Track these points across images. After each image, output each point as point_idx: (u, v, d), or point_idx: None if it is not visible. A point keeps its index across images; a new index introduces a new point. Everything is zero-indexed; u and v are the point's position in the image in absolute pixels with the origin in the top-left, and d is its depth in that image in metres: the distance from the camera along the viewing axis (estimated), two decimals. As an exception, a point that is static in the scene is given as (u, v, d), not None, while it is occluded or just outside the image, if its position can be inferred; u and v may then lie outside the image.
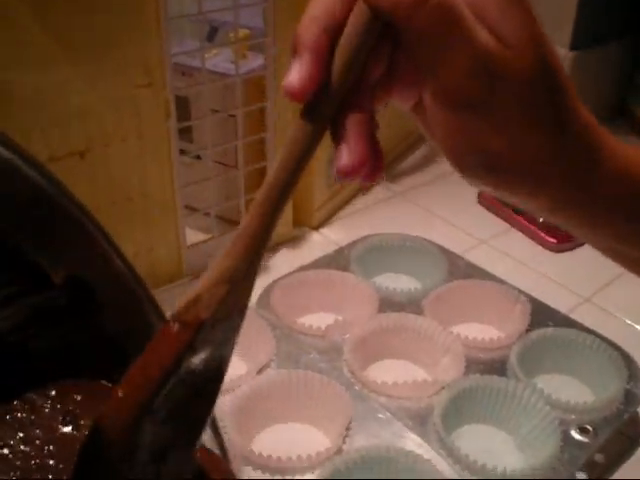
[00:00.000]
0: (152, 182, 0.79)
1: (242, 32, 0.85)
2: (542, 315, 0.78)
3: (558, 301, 0.82)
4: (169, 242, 0.84)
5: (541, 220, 0.99)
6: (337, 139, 0.30)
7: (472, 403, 0.67)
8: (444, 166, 1.12)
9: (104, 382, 0.40)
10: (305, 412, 0.66)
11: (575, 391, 0.71)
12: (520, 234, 1.01)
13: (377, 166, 0.31)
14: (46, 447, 0.36)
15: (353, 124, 0.30)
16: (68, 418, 0.38)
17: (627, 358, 0.72)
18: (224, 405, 0.61)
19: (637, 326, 0.84)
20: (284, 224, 0.94)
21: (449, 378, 0.69)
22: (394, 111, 0.35)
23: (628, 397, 0.68)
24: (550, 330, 0.75)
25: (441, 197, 1.08)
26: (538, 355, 0.73)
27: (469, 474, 0.60)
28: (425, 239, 0.89)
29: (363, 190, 1.05)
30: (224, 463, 0.39)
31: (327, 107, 0.29)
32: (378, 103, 0.32)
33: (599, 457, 0.64)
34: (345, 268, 0.83)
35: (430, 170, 1.13)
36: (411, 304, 0.79)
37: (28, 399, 0.38)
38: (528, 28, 0.29)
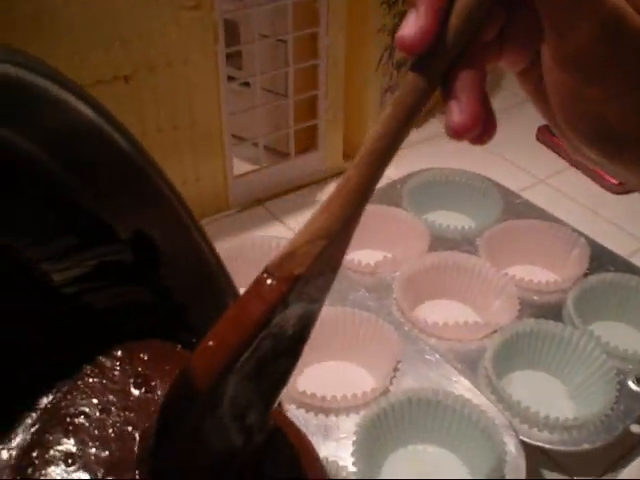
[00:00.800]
0: (199, 109, 0.77)
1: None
2: (602, 259, 0.75)
3: (618, 245, 0.78)
4: (216, 172, 0.82)
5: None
6: (448, 96, 0.29)
7: (525, 348, 0.65)
8: (502, 102, 1.09)
9: (168, 343, 0.38)
10: (352, 351, 0.64)
11: (634, 340, 0.68)
12: (580, 174, 0.97)
13: (489, 127, 0.31)
14: (122, 413, 0.35)
15: (466, 82, 0.29)
16: (139, 380, 0.36)
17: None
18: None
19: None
20: (334, 157, 0.91)
21: (502, 321, 0.66)
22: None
23: (691, 348, 0.64)
24: (610, 275, 0.71)
25: (498, 133, 1.01)
26: (596, 301, 0.70)
27: (519, 421, 0.59)
28: (481, 175, 0.85)
29: (416, 124, 1.01)
30: (303, 434, 0.38)
31: (440, 62, 0.29)
32: (488, 65, 0.31)
33: (656, 410, 0.62)
34: (397, 204, 0.80)
35: (487, 105, 1.09)
36: (464, 243, 0.76)
37: (97, 363, 0.37)
38: None
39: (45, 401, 0.35)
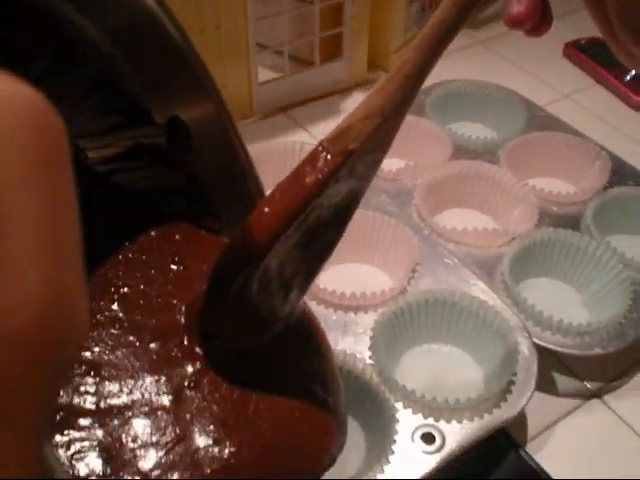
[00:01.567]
0: (225, 13, 0.76)
1: None
2: (622, 173, 0.75)
3: (639, 161, 0.78)
4: (241, 78, 0.82)
5: (628, 78, 0.93)
6: None
7: (542, 256, 0.66)
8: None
9: (193, 226, 0.39)
10: (371, 254, 0.65)
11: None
12: (605, 90, 0.96)
13: (545, 18, 0.31)
14: (164, 287, 0.36)
15: None
16: (176, 258, 0.37)
17: None
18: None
19: None
20: (359, 67, 0.90)
21: (520, 229, 0.67)
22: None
23: None
24: (630, 189, 0.72)
25: (524, 47, 1.02)
26: (615, 214, 0.70)
27: (533, 324, 0.60)
28: (505, 88, 0.85)
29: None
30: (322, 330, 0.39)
31: None
32: None
33: (669, 318, 0.63)
34: (420, 113, 0.80)
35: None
36: (486, 153, 0.76)
37: (136, 240, 0.38)
38: None
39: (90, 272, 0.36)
